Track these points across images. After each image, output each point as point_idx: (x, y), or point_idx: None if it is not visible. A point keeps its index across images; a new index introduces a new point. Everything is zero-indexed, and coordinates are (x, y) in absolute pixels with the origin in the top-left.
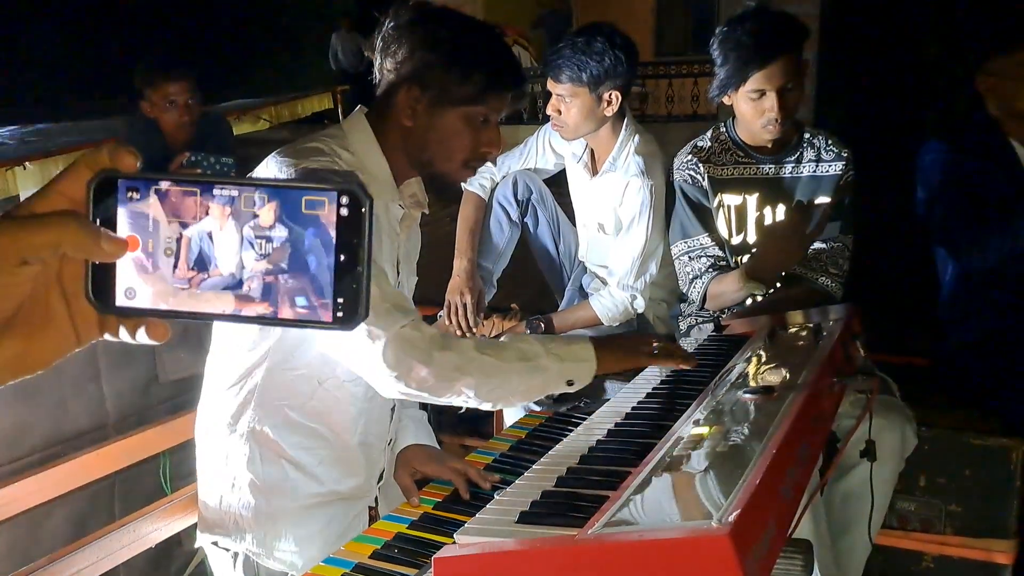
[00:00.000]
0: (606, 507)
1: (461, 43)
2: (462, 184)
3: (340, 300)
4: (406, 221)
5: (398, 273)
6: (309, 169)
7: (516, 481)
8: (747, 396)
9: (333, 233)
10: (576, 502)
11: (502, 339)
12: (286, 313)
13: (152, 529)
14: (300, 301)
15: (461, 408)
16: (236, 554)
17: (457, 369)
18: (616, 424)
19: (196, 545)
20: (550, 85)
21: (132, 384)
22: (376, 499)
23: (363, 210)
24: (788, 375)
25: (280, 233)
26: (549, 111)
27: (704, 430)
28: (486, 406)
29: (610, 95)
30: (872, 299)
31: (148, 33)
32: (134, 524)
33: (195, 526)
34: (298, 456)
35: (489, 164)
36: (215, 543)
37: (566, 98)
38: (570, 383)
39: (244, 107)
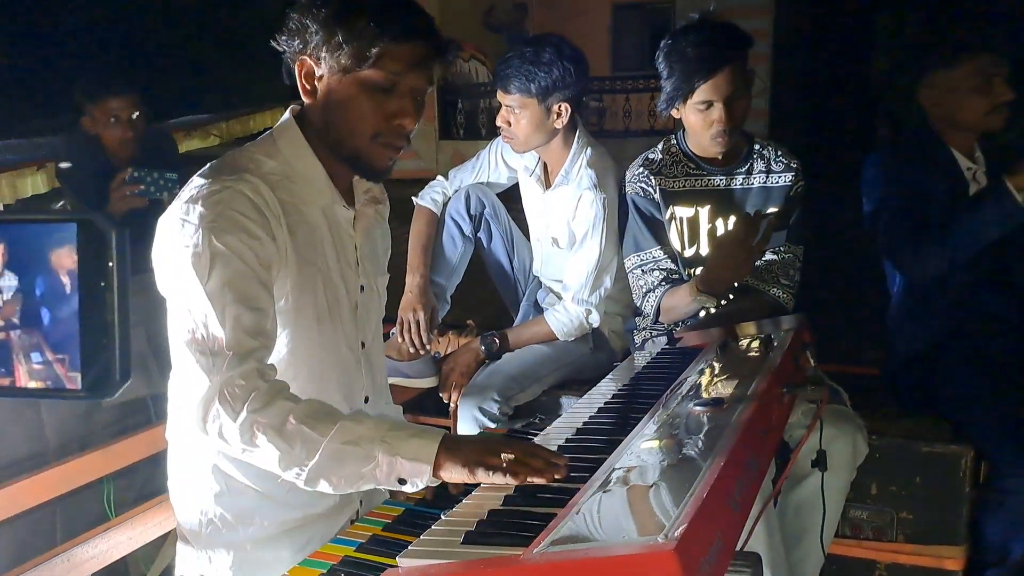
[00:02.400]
0: (553, 524)
1: (342, 2)
2: (413, 199)
3: (88, 362)
4: (361, 221)
5: (359, 276)
6: (212, 190)
7: (463, 500)
8: (698, 408)
9: (67, 280)
10: (523, 520)
11: (353, 415)
12: (23, 381)
13: (90, 557)
14: (37, 364)
15: None
16: None
17: (269, 429)
18: (567, 439)
19: (176, 574)
20: (500, 96)
21: (73, 409)
22: (358, 511)
23: (110, 245)
24: (738, 386)
25: (9, 283)
26: (499, 123)
27: (654, 443)
28: (300, 483)
29: (559, 107)
30: (823, 309)
31: (92, 48)
32: (71, 551)
33: (137, 553)
34: (266, 486)
35: (441, 178)
36: (191, 568)
37: (515, 109)
38: (402, 481)
39: (194, 123)
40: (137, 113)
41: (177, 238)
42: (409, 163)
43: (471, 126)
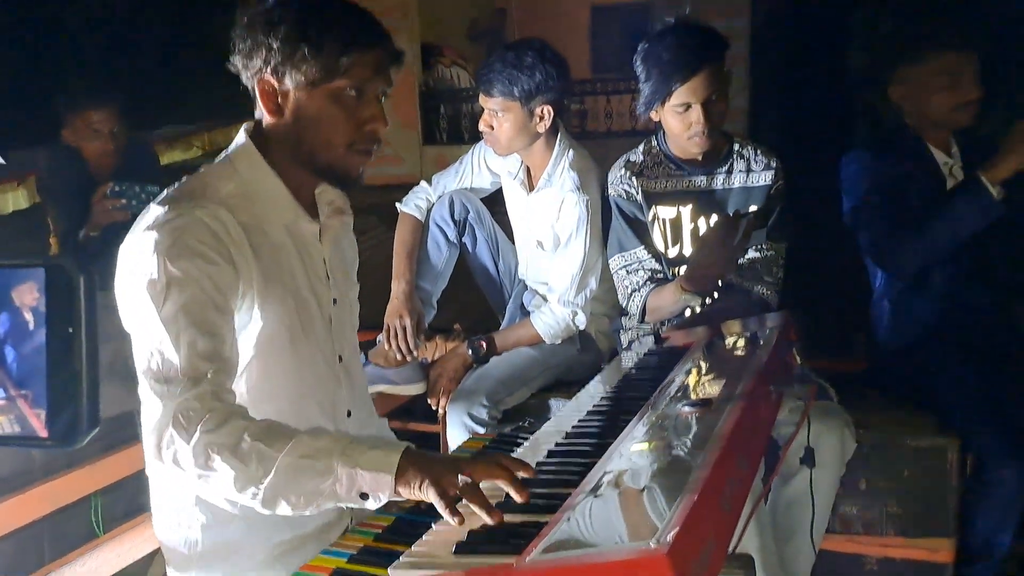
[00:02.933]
0: (545, 531)
1: (301, 16)
2: (397, 205)
3: (56, 411)
4: (327, 233)
5: (330, 289)
6: (168, 218)
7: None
8: (687, 409)
9: (32, 319)
10: (515, 528)
11: (311, 430)
12: None
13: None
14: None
15: None
16: None
17: (223, 449)
18: (557, 444)
19: None
20: (482, 100)
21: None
22: (349, 526)
23: (78, 289)
24: (726, 386)
25: None
26: (481, 127)
27: (644, 446)
28: (257, 504)
29: (542, 110)
30: (809, 306)
31: (72, 60)
32: (59, 571)
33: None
34: (251, 512)
35: (424, 184)
36: None
37: (498, 112)
38: (364, 496)
39: (176, 135)
40: (117, 125)
41: (134, 267)
42: (393, 169)
43: (454, 131)
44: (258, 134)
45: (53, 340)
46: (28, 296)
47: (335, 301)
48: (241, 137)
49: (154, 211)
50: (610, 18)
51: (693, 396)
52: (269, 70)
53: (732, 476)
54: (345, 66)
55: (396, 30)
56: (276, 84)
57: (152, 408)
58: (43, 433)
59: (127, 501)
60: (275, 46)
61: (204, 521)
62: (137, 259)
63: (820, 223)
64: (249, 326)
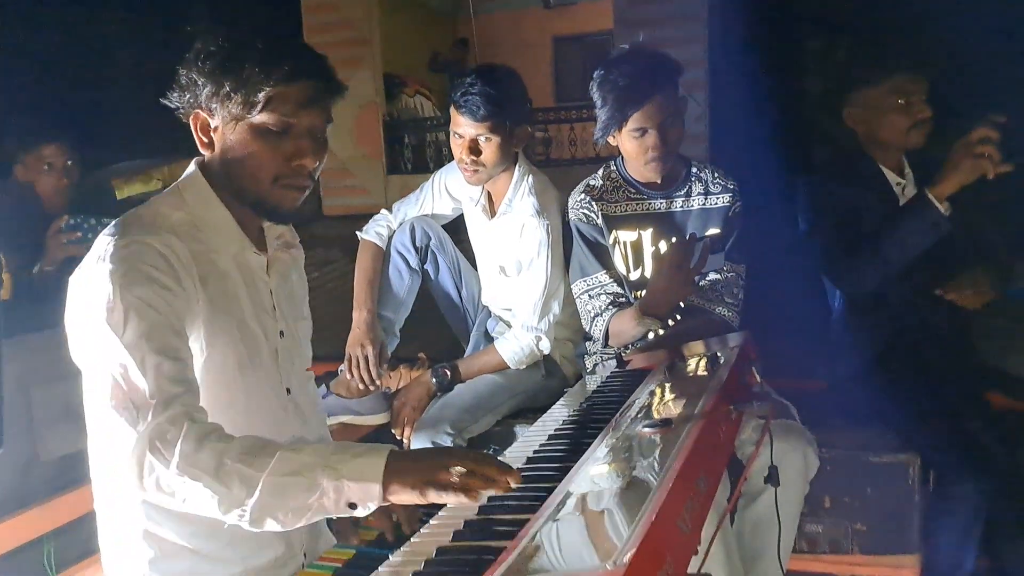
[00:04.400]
0: (503, 557)
1: (228, 50)
2: (357, 233)
3: None
4: (275, 266)
5: (277, 321)
6: (119, 246)
7: (411, 539)
8: (647, 430)
9: None
10: (473, 555)
11: (293, 443)
12: None
13: None
14: None
15: None
16: None
17: (203, 473)
18: (519, 468)
19: None
20: (467, 126)
21: (10, 464)
22: (303, 565)
23: None
24: (686, 406)
25: None
26: (463, 154)
27: (605, 468)
28: (245, 524)
29: (522, 131)
30: (770, 327)
31: (25, 96)
32: None
33: None
34: (201, 545)
35: (385, 212)
36: None
37: (483, 138)
38: (352, 506)
39: (135, 168)
40: (71, 159)
41: (89, 297)
42: (357, 199)
43: (418, 160)
44: (207, 166)
45: None
46: None
47: (282, 334)
48: (191, 168)
49: (104, 241)
50: (572, 48)
51: (654, 416)
52: (200, 104)
53: (691, 496)
54: (265, 100)
55: (359, 61)
56: (207, 118)
57: (118, 439)
58: None
59: (81, 543)
60: (201, 80)
61: (151, 556)
62: (92, 290)
63: (779, 244)
64: (196, 356)
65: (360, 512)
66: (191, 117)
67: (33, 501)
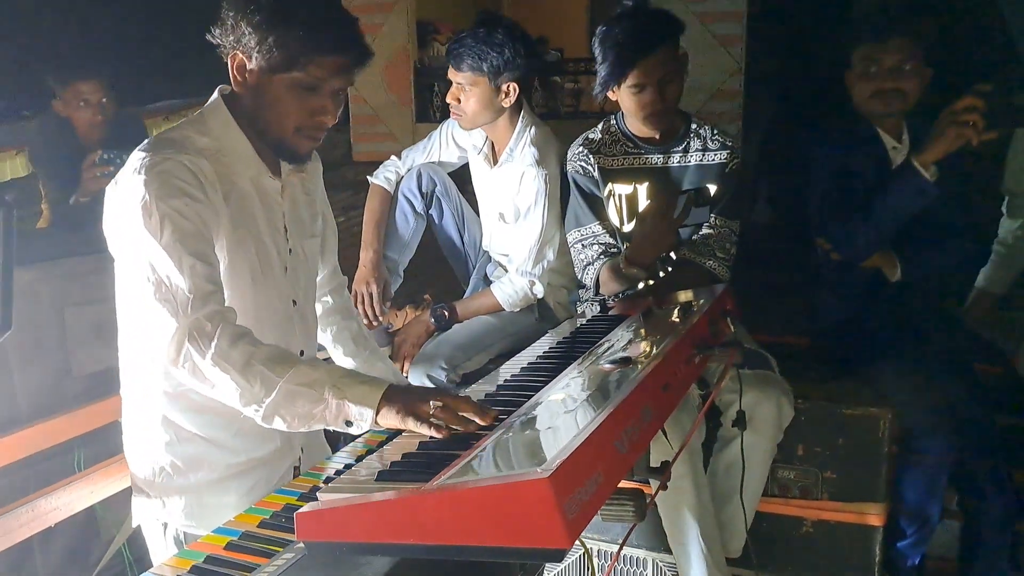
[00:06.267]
0: (455, 463)
1: (277, 8)
2: (368, 178)
3: None
4: (287, 190)
5: (287, 239)
6: (154, 161)
7: (383, 448)
8: (607, 366)
9: None
10: (431, 461)
11: (309, 360)
12: None
13: (53, 508)
14: None
15: None
16: (165, 524)
17: (233, 368)
18: (486, 395)
19: (134, 523)
20: (451, 74)
21: (44, 379)
22: (300, 458)
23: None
24: (650, 347)
25: None
26: (448, 99)
27: (561, 396)
28: (258, 418)
29: (508, 86)
30: (760, 282)
31: (65, 33)
32: (35, 502)
33: (97, 507)
34: (212, 433)
35: (394, 158)
36: (147, 515)
37: (465, 87)
38: (348, 424)
39: (171, 108)
40: (105, 97)
41: (128, 206)
42: (385, 146)
43: (447, 109)
44: (232, 97)
45: None
46: None
47: (291, 251)
48: (215, 96)
49: (139, 156)
50: None
51: (618, 355)
52: (240, 48)
53: (633, 422)
54: (304, 63)
55: (391, 6)
56: (245, 61)
57: (157, 327)
58: None
59: (107, 448)
60: (248, 29)
61: (167, 439)
62: (129, 198)
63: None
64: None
65: (354, 430)
66: (230, 56)
67: (64, 411)
